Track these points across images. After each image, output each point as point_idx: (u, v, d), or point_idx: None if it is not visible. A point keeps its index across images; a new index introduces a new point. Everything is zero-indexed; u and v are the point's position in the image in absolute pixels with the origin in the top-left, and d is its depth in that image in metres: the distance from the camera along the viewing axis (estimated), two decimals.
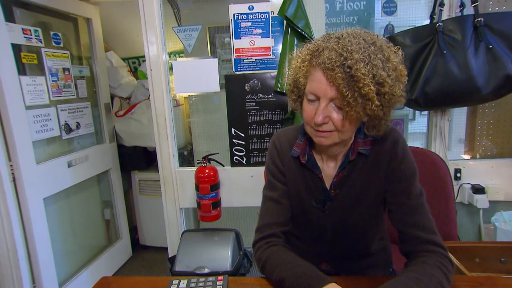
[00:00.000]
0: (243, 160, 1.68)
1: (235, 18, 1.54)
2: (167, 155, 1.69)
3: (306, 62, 0.78)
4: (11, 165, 1.72)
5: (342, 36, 0.75)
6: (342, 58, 0.71)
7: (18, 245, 1.72)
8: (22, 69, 1.83)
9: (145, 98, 2.57)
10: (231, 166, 1.70)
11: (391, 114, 0.79)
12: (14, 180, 1.73)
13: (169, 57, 2.42)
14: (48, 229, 1.88)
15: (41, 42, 1.94)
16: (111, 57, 2.53)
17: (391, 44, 0.77)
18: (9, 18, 1.78)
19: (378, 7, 1.62)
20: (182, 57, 2.40)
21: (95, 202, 2.41)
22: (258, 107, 1.60)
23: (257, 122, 1.62)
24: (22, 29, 1.83)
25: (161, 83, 1.64)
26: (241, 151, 1.67)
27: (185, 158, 2.25)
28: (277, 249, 0.87)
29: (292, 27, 1.42)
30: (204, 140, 2.19)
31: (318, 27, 1.60)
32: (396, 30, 1.61)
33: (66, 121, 2.07)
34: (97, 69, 2.38)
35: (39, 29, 1.93)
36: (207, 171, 1.59)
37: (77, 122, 2.17)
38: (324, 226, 0.93)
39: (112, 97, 2.53)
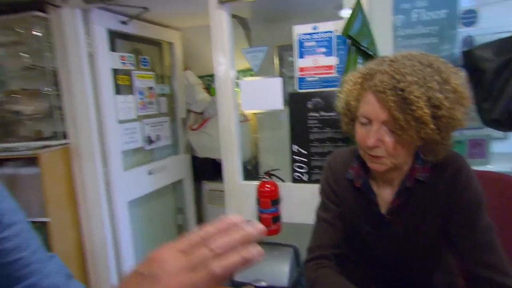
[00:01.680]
0: (304, 177, 1.69)
1: (299, 38, 1.58)
2: (232, 169, 1.79)
3: (358, 85, 0.78)
4: (105, 171, 2.01)
5: (396, 58, 0.74)
6: (394, 80, 0.70)
7: (107, 241, 2.00)
8: (117, 89, 2.14)
9: (217, 113, 2.75)
10: (292, 182, 1.72)
11: (452, 138, 0.74)
12: (106, 184, 2.01)
13: (239, 74, 2.57)
14: (130, 228, 2.13)
15: (132, 65, 2.25)
16: (189, 75, 2.78)
17: (450, 64, 0.73)
18: (112, 47, 2.12)
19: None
20: (252, 74, 2.53)
21: (169, 207, 2.65)
22: (320, 125, 1.61)
23: (319, 139, 1.62)
24: (120, 56, 2.15)
25: (228, 101, 1.75)
26: (302, 168, 1.68)
27: (251, 171, 2.34)
28: (326, 272, 0.87)
29: (356, 45, 1.40)
30: (269, 155, 2.26)
31: (385, 40, 1.54)
32: (477, 43, 1.46)
33: (148, 134, 2.35)
34: (176, 88, 2.65)
35: (132, 55, 2.24)
36: (268, 186, 1.64)
37: (157, 135, 2.43)
38: (378, 251, 0.89)
39: (188, 112, 2.77)
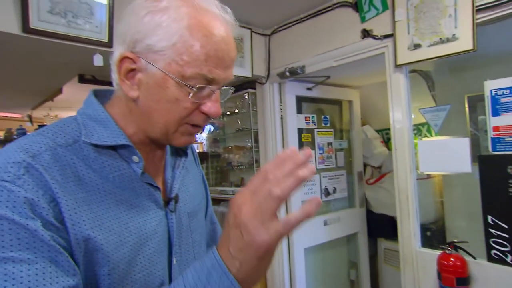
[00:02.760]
0: (506, 257, 1.38)
1: (493, 94, 1.40)
2: (408, 233, 1.68)
3: None
4: None
5: None
6: None
7: (285, 280, 2.23)
8: (301, 146, 2.46)
9: None
10: (488, 261, 1.43)
11: None
12: None
13: (421, 127, 2.43)
14: (305, 274, 2.29)
15: (315, 124, 2.54)
16: (367, 130, 2.84)
17: None
18: (298, 110, 2.50)
19: None
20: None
21: (343, 260, 2.67)
22: None
23: None
24: (304, 117, 2.49)
25: (405, 161, 1.70)
26: (503, 245, 1.39)
27: (432, 236, 2.09)
28: None
29: None
30: (457, 220, 1.97)
31: None
32: None
33: (325, 186, 2.52)
34: (354, 142, 2.75)
35: (315, 115, 2.55)
36: (452, 259, 1.44)
37: (334, 187, 2.57)
38: None
39: (365, 165, 2.79)
